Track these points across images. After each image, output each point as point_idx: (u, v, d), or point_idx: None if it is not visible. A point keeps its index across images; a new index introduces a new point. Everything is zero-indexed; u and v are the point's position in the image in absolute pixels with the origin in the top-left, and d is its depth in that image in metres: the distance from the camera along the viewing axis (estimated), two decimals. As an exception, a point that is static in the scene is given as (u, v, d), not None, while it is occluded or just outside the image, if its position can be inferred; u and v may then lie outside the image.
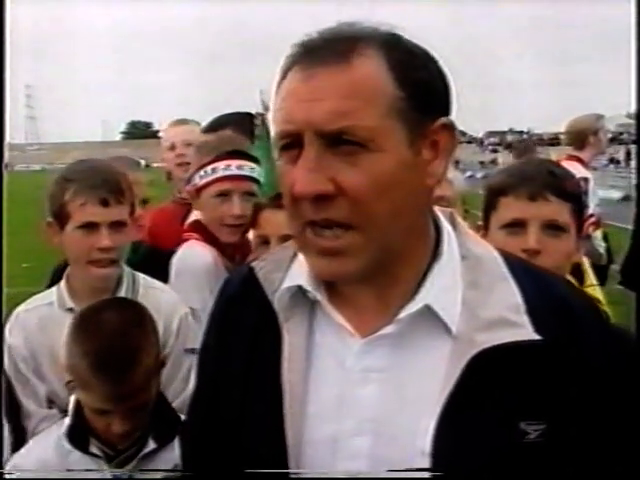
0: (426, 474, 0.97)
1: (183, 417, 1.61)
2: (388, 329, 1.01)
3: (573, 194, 1.65)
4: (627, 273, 3.94)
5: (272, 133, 1.85)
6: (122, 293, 1.92)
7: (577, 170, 3.84)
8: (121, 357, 1.52)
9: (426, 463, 0.97)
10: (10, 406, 1.78)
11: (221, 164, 2.27)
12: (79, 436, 1.56)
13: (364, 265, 0.98)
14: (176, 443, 1.44)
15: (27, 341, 1.89)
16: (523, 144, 4.96)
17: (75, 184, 1.85)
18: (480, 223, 1.73)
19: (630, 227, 4.09)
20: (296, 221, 0.99)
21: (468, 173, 25.27)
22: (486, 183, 1.81)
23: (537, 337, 0.98)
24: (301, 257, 1.07)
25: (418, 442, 0.98)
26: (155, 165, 15.87)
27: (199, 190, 2.31)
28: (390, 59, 0.96)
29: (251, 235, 2.24)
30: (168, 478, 1.52)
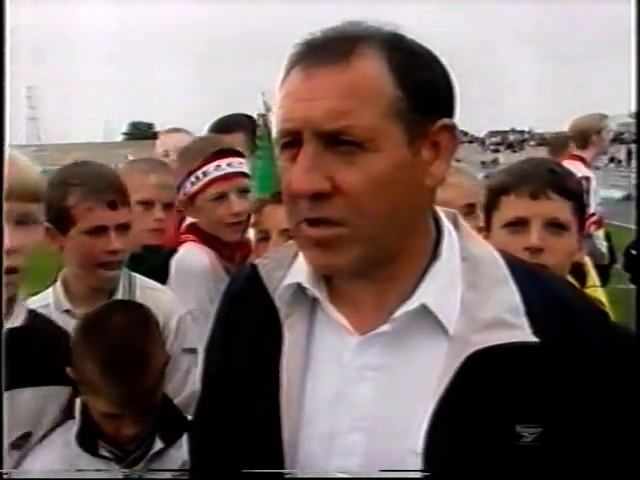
0: (418, 474, 0.97)
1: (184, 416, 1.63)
2: (384, 327, 1.02)
3: (574, 192, 1.66)
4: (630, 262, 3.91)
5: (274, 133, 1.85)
6: (119, 294, 1.92)
7: (579, 169, 3.84)
8: (130, 361, 1.52)
9: (419, 462, 0.97)
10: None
11: (211, 166, 2.26)
12: (88, 439, 1.55)
13: (356, 259, 0.98)
14: (184, 441, 1.45)
15: None
16: (560, 140, 4.86)
17: (79, 188, 1.84)
18: (481, 224, 1.73)
19: (632, 226, 4.08)
20: (293, 218, 1.00)
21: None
22: (487, 183, 1.82)
23: (534, 339, 0.98)
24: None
25: (411, 441, 0.98)
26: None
27: (193, 197, 2.29)
28: (391, 59, 0.96)
29: (251, 234, 2.25)
30: (178, 478, 1.51)
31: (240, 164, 2.31)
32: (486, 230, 1.70)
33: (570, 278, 1.69)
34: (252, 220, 2.24)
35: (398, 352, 1.02)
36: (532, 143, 69.08)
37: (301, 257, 1.08)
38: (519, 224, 1.63)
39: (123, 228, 1.88)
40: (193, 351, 1.93)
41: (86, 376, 1.53)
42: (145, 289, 1.98)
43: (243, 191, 2.28)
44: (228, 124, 3.19)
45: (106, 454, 1.54)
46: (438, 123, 0.99)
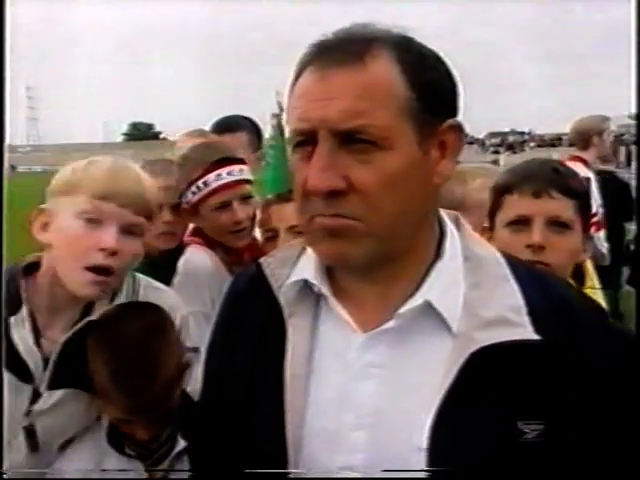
0: (421, 474, 0.97)
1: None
2: (389, 324, 1.03)
3: (577, 191, 1.65)
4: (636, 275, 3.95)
5: (287, 133, 1.84)
6: (123, 293, 1.92)
7: (580, 170, 3.83)
8: (139, 370, 1.46)
9: (422, 459, 0.98)
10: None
11: (211, 175, 2.24)
12: (116, 437, 1.54)
13: (369, 253, 0.99)
14: None
15: None
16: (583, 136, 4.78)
17: None
18: (485, 225, 1.73)
19: (632, 227, 4.09)
20: (306, 214, 1.01)
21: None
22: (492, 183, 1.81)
23: (536, 337, 0.99)
24: (308, 253, 1.09)
25: (415, 438, 0.99)
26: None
27: (195, 206, 2.28)
28: (402, 61, 0.98)
29: (257, 234, 2.25)
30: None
31: (241, 171, 2.29)
32: (490, 230, 1.70)
33: (568, 278, 1.69)
34: (257, 220, 2.24)
35: (402, 350, 1.03)
36: (532, 144, 69.15)
37: (306, 255, 1.09)
38: (522, 222, 1.63)
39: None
40: (196, 350, 1.93)
41: (97, 379, 1.49)
42: (148, 288, 1.98)
43: (245, 197, 2.28)
44: (230, 124, 3.19)
45: (131, 452, 1.52)
46: (446, 123, 1.01)
